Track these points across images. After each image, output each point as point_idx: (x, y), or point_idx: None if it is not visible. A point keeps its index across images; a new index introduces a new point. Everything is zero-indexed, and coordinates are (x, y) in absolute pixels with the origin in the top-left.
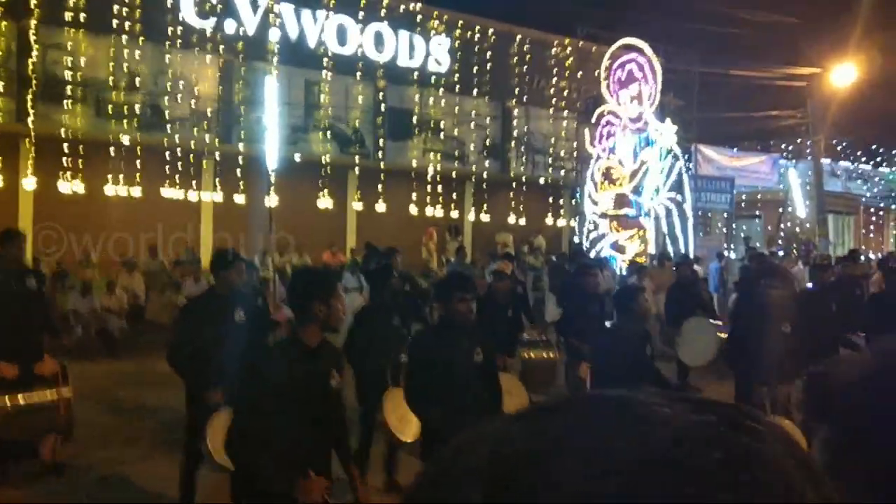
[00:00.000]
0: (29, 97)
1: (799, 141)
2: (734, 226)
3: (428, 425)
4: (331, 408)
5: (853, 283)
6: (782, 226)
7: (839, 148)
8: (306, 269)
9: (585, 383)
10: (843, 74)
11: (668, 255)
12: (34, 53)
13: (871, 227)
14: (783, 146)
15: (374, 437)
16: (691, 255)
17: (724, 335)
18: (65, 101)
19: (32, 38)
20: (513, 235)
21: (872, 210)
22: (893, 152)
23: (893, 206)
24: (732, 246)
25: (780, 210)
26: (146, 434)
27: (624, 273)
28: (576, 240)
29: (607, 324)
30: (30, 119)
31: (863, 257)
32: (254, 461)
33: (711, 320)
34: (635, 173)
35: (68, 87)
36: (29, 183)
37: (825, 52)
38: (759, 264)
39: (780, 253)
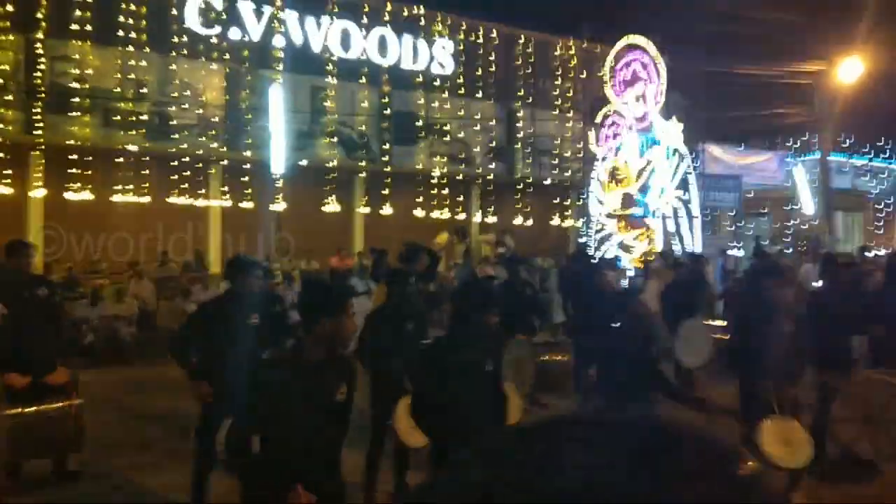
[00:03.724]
0: (38, 108)
1: (806, 138)
2: (742, 224)
3: (435, 436)
4: (333, 423)
5: (860, 282)
6: (789, 223)
7: (846, 144)
8: (319, 280)
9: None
10: (849, 70)
11: (671, 254)
12: (42, 65)
13: (880, 223)
14: (790, 143)
15: (385, 442)
16: (700, 255)
17: (722, 336)
18: (73, 112)
19: (40, 50)
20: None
21: (880, 206)
22: None
23: None
24: (741, 244)
25: (788, 207)
26: (158, 440)
27: (633, 273)
28: (582, 240)
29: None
30: (39, 130)
31: (874, 253)
32: (247, 469)
33: (709, 321)
34: (641, 173)
35: (76, 98)
36: (38, 193)
37: (831, 48)
38: (761, 262)
39: (789, 250)
